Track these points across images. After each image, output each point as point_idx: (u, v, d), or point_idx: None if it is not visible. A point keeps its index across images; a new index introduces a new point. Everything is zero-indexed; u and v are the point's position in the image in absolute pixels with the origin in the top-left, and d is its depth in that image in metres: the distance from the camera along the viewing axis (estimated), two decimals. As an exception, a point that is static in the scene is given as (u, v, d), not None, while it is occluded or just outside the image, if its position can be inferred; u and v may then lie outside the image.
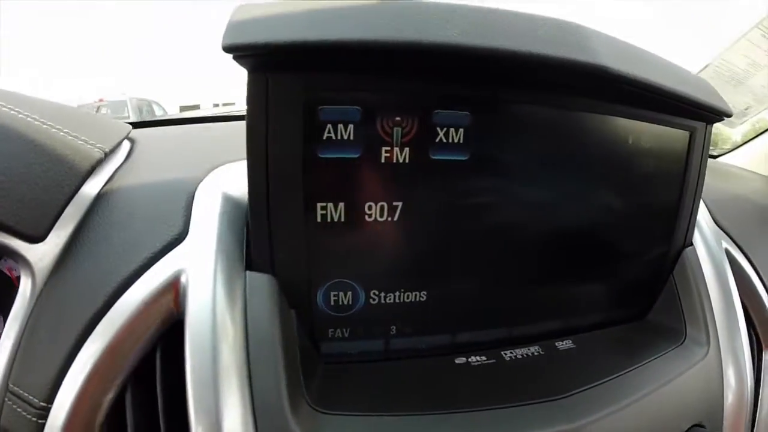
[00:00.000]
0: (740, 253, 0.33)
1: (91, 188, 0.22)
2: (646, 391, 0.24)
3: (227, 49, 0.17)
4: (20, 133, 0.20)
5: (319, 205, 0.20)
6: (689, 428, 0.25)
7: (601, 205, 0.26)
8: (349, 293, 0.22)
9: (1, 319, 0.21)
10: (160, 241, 0.20)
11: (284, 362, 0.19)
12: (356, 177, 0.20)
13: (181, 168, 0.24)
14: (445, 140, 0.21)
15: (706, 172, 0.31)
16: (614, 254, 0.28)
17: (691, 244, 0.31)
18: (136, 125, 0.32)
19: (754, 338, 0.33)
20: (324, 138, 0.19)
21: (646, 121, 0.26)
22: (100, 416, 0.19)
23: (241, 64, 0.18)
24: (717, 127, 0.51)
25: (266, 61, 0.18)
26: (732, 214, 0.35)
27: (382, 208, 0.21)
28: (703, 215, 0.32)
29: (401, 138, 0.20)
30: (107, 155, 0.23)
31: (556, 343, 0.27)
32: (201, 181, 0.23)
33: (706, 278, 0.30)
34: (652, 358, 0.26)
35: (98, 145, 0.22)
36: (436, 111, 0.20)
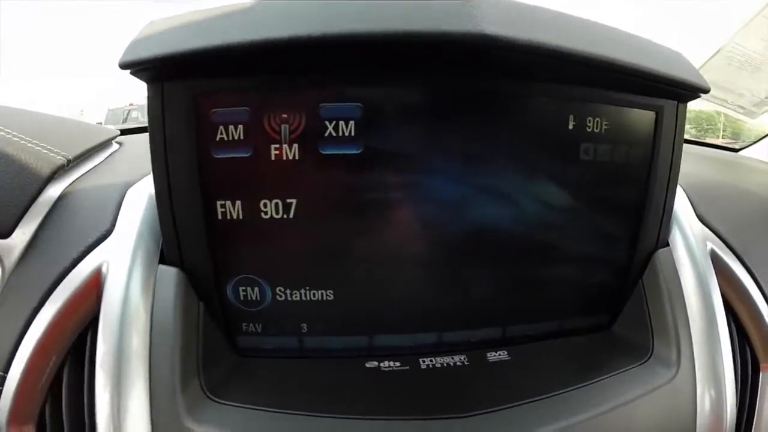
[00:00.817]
0: (733, 256, 0.28)
1: (55, 191, 0.26)
2: (584, 417, 0.21)
3: (122, 66, 0.19)
4: None
5: (218, 203, 0.22)
6: None
7: (537, 200, 0.24)
8: (256, 289, 0.23)
9: None
10: (92, 237, 0.23)
11: (181, 350, 0.21)
12: (249, 175, 0.21)
13: (130, 172, 0.27)
14: (334, 134, 0.21)
15: (712, 166, 0.27)
16: (564, 256, 0.25)
17: (667, 244, 0.27)
18: (127, 132, 0.37)
19: (749, 355, 0.27)
20: (217, 139, 0.21)
21: (594, 102, 0.23)
22: (44, 385, 0.22)
23: (139, 77, 0.20)
24: (744, 119, 0.44)
25: (157, 72, 0.20)
26: (724, 210, 0.30)
27: (276, 205, 0.22)
28: (683, 211, 0.28)
29: (289, 135, 0.21)
30: (71, 162, 0.27)
31: (488, 354, 0.25)
32: (134, 184, 0.25)
33: (683, 285, 0.26)
34: (603, 377, 0.23)
35: (62, 153, 0.27)
36: (321, 105, 0.21)
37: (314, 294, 0.23)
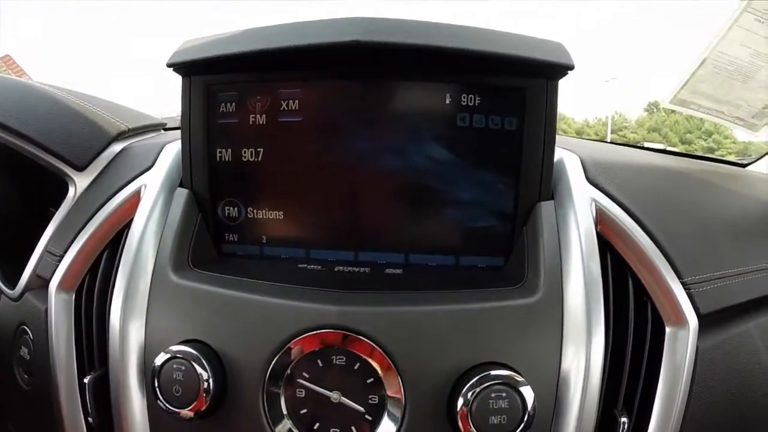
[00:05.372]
0: (624, 213, 0.35)
1: (118, 146, 0.45)
2: (440, 308, 0.31)
3: (168, 65, 0.36)
4: (74, 109, 0.44)
5: (217, 150, 0.38)
6: (482, 364, 0.30)
7: (428, 156, 0.35)
8: (236, 208, 0.38)
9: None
10: (139, 169, 0.40)
11: (180, 240, 0.36)
12: (236, 133, 0.37)
13: (171, 138, 0.45)
14: (287, 108, 0.36)
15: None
16: (457, 201, 0.36)
17: (551, 198, 0.35)
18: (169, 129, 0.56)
19: (649, 313, 0.34)
20: (219, 111, 0.37)
21: (462, 83, 0.34)
22: (86, 265, 0.38)
23: (177, 72, 0.37)
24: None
25: (186, 70, 0.37)
26: (618, 178, 0.37)
27: (251, 152, 0.37)
28: (573, 172, 0.37)
29: (260, 108, 0.36)
30: (130, 130, 0.46)
31: (386, 270, 0.36)
32: (169, 143, 0.42)
33: (563, 232, 0.34)
34: (471, 289, 0.32)
35: (125, 123, 0.46)
36: (279, 90, 0.36)
37: (271, 213, 0.37)
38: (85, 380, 0.35)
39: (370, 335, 0.30)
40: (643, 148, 0.62)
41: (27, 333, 0.41)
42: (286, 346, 0.31)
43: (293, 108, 0.36)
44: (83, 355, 0.37)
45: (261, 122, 0.36)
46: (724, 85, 0.50)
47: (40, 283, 0.41)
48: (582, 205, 0.35)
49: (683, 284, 0.34)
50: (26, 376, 0.42)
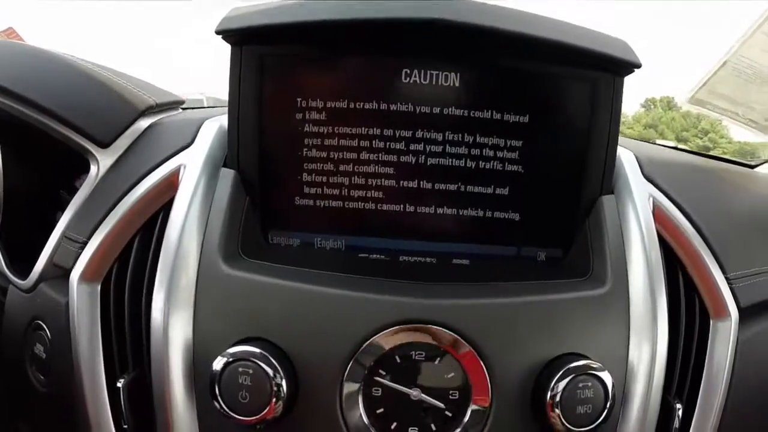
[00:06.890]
0: (676, 209, 0.37)
1: (145, 122, 0.40)
2: (512, 300, 0.31)
3: (217, 32, 0.33)
4: (97, 80, 0.38)
5: (269, 128, 0.35)
6: (562, 355, 0.30)
7: (498, 147, 0.35)
8: (288, 192, 0.35)
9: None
10: (175, 147, 0.36)
11: (228, 226, 0.33)
12: (291, 110, 0.34)
13: (203, 114, 0.41)
14: (347, 87, 0.34)
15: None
16: (522, 193, 0.36)
17: (611, 192, 0.36)
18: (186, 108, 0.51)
19: (697, 306, 0.36)
20: (273, 85, 0.34)
21: (537, 72, 0.34)
22: (114, 253, 0.34)
23: (226, 41, 0.34)
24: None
25: (238, 38, 0.34)
26: (671, 173, 0.39)
27: (307, 131, 0.34)
28: (630, 168, 0.38)
29: (319, 84, 0.34)
30: (158, 105, 0.41)
31: (454, 260, 0.35)
32: (210, 117, 0.39)
33: (623, 225, 0.35)
34: (540, 280, 0.33)
35: (152, 97, 0.41)
36: (340, 66, 0.34)
37: (327, 200, 0.35)
38: (119, 383, 0.32)
39: (457, 328, 0.30)
40: (661, 146, 0.65)
41: (42, 328, 0.36)
42: (367, 342, 0.29)
43: (354, 86, 0.34)
44: (111, 353, 0.34)
45: (319, 99, 0.34)
46: (742, 88, 0.53)
47: (58, 272, 0.36)
48: (641, 200, 0.36)
49: (726, 279, 0.36)
50: (42, 377, 0.37)
